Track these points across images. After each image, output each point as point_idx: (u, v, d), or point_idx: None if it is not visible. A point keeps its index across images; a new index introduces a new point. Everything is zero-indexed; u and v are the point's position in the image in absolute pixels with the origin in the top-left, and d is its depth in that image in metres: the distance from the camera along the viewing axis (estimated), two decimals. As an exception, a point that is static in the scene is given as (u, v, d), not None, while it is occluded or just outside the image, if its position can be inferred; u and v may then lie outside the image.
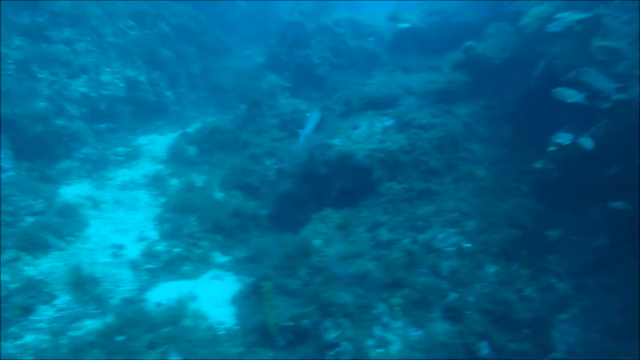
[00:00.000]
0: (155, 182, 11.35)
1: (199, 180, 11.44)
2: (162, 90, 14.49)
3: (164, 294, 8.03)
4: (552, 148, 6.99)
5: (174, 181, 11.41)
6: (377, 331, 6.63)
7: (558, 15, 7.23)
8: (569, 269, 7.15)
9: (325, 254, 7.57)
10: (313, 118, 9.23)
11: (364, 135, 9.04)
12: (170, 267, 8.75)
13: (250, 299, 7.86)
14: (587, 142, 6.45)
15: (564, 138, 6.66)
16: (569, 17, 7.04)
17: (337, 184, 8.91)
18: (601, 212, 7.61)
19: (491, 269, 7.06)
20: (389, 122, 9.19)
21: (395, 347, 6.51)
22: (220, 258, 9.34)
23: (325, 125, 10.66)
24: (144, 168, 12.08)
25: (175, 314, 7.41)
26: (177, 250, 9.06)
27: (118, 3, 14.40)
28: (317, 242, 8.00)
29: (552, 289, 6.99)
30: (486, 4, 12.38)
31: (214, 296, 8.24)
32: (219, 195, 10.80)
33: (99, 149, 12.10)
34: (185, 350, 6.68)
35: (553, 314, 6.78)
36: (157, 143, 13.35)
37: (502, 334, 6.50)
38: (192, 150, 12.61)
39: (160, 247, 9.09)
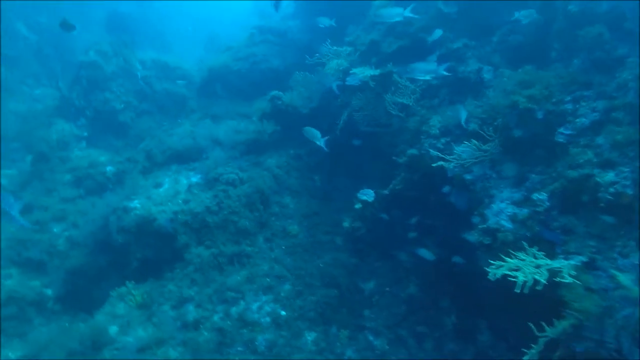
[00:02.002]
0: None
1: (-40, 259, 9.07)
2: None
3: None
4: (357, 206, 6.93)
5: None
6: None
7: (353, 70, 7.34)
8: (384, 322, 7.09)
9: (122, 345, 6.35)
10: None
11: (167, 195, 8.07)
12: None
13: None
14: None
15: (367, 195, 6.62)
16: (363, 72, 7.19)
17: (137, 253, 7.73)
18: (409, 256, 7.83)
19: (310, 336, 6.63)
20: (195, 178, 8.37)
21: None
22: (-17, 363, 7.34)
23: (126, 182, 9.42)
24: None
25: None
26: None
27: None
28: (113, 329, 6.74)
29: (371, 347, 6.84)
30: (292, 52, 12.50)
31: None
32: (-13, 277, 8.65)
33: None
34: None
35: (373, 374, 6.61)
36: None
37: (323, 409, 6.08)
38: (-49, 220, 10.04)
39: None
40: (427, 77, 6.28)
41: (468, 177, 6.02)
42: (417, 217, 7.34)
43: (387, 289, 7.46)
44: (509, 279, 4.04)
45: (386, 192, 6.90)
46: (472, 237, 5.63)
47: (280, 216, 8.10)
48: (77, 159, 11.35)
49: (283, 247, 7.61)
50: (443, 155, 6.02)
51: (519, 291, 3.92)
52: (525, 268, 4.05)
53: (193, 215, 7.57)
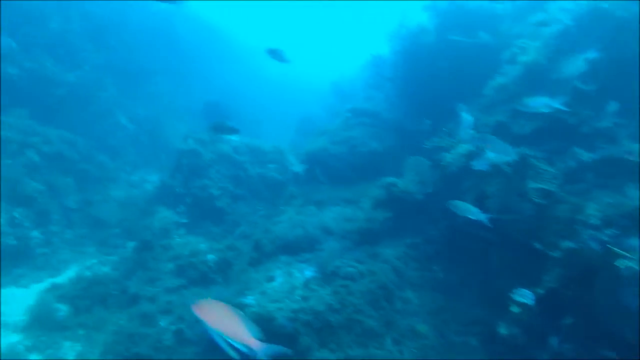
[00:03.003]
0: (9, 364, 8.65)
1: (70, 352, 8.95)
2: (26, 231, 12.01)
3: None
4: (514, 309, 6.11)
5: (34, 358, 8.79)
6: None
7: (488, 154, 6.81)
8: None
9: None
10: None
11: (283, 290, 7.61)
12: None
13: None
14: None
15: (527, 297, 5.81)
16: (498, 158, 6.66)
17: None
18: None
19: None
20: (309, 272, 7.91)
21: None
22: None
23: (233, 274, 9.14)
24: (-7, 341, 9.28)
25: None
26: None
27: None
28: None
29: None
30: (388, 133, 12.30)
31: None
32: (98, 374, 8.41)
33: None
34: None
35: None
36: (14, 301, 10.60)
37: None
38: (63, 309, 10.08)
39: None
40: None
41: (650, 275, 5.15)
42: (571, 318, 6.41)
43: (539, 402, 6.41)
44: None
45: (541, 291, 6.08)
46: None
47: (404, 313, 7.39)
48: (178, 247, 11.29)
49: (414, 350, 6.84)
50: (624, 253, 5.21)
51: None
52: None
53: (314, 314, 7.02)
